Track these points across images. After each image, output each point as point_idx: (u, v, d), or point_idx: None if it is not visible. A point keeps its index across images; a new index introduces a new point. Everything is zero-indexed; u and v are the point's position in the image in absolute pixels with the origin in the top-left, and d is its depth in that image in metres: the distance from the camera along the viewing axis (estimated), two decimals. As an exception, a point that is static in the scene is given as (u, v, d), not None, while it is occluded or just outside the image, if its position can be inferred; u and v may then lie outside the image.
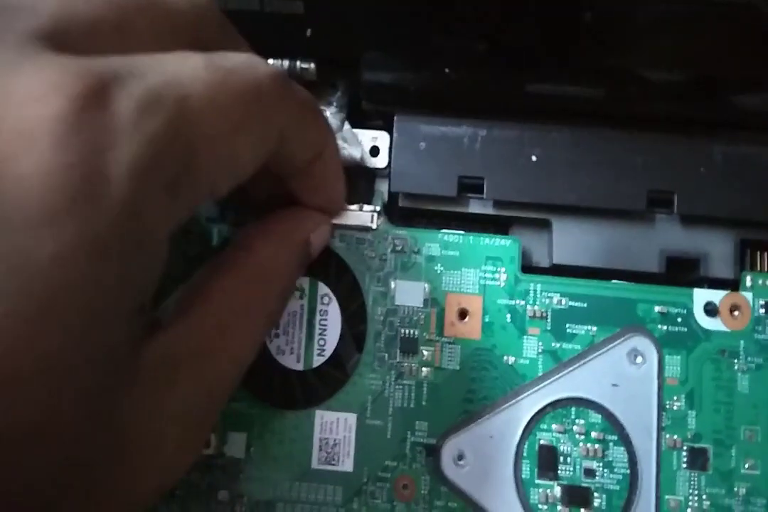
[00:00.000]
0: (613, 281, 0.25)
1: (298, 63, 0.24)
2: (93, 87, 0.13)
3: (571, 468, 0.24)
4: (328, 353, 0.24)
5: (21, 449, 0.13)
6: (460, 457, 0.24)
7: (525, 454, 0.24)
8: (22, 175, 0.13)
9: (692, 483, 0.24)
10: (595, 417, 0.24)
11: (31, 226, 0.12)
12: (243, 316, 0.19)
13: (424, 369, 0.24)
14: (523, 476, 0.24)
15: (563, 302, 0.25)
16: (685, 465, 0.24)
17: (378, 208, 0.25)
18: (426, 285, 0.25)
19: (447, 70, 0.24)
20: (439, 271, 0.25)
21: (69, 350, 0.13)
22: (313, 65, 0.24)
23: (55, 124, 0.13)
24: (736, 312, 0.25)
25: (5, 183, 0.12)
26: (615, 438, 0.24)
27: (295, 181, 0.21)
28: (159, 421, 0.16)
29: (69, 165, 0.13)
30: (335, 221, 0.24)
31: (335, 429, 0.23)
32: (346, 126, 0.25)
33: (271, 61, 0.24)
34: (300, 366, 0.24)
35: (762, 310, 0.25)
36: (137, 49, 0.15)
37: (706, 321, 0.25)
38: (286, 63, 0.24)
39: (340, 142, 0.24)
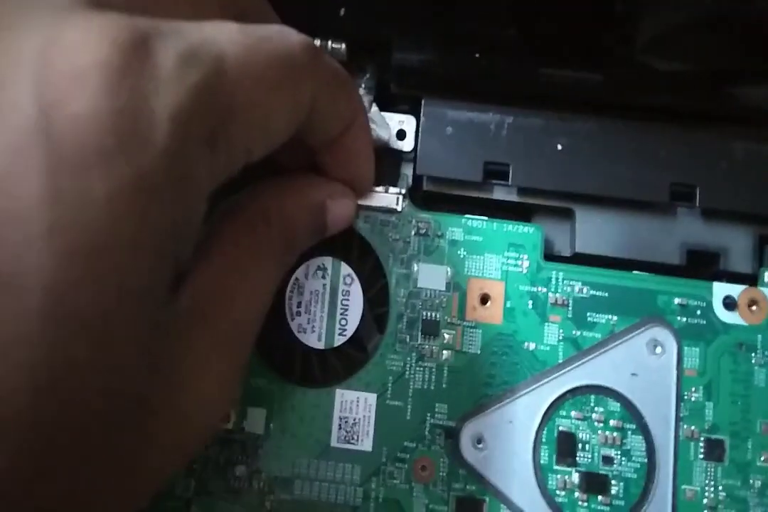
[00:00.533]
0: (634, 272, 0.25)
1: (329, 43, 0.24)
2: (137, 38, 0.14)
3: (590, 456, 0.24)
4: (349, 333, 0.24)
5: (81, 380, 0.13)
6: (479, 441, 0.23)
7: (544, 440, 0.24)
8: (76, 116, 0.13)
9: (708, 473, 0.24)
10: (614, 406, 0.24)
11: (86, 166, 0.13)
12: (255, 258, 0.19)
13: (444, 352, 0.24)
14: (542, 461, 0.23)
15: (584, 291, 0.25)
16: (702, 456, 0.24)
17: (403, 191, 0.25)
18: (449, 269, 0.25)
19: (477, 56, 0.24)
20: (461, 256, 0.25)
21: (116, 286, 0.13)
22: (344, 46, 0.24)
23: (104, 69, 0.13)
24: (754, 307, 0.25)
25: (60, 124, 0.13)
26: (633, 426, 0.24)
27: (323, 154, 0.21)
28: (200, 357, 0.16)
29: (118, 108, 0.13)
30: (360, 202, 0.24)
31: (355, 408, 0.23)
32: (374, 108, 0.25)
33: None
34: (321, 345, 0.24)
35: (780, 305, 0.25)
36: (175, 14, 0.16)
37: (724, 315, 0.25)
38: (317, 42, 0.24)
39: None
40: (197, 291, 0.17)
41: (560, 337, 0.24)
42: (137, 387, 0.15)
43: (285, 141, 0.18)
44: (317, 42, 0.24)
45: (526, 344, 0.24)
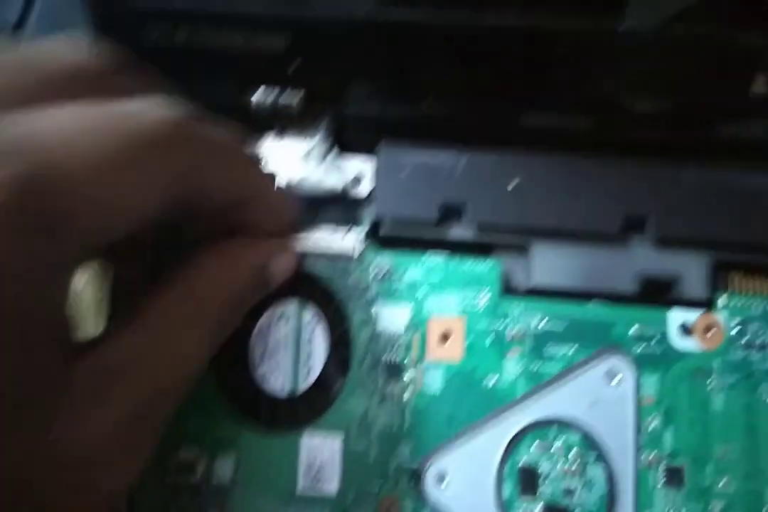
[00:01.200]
0: (591, 303, 0.26)
1: (282, 95, 0.25)
2: None
3: (551, 488, 0.24)
4: (313, 378, 0.24)
5: None
6: (443, 479, 0.24)
7: (506, 475, 0.24)
8: None
9: (669, 500, 0.24)
10: (574, 437, 0.25)
11: None
12: (181, 331, 0.19)
13: (406, 393, 0.25)
14: (505, 496, 0.24)
15: (542, 324, 0.26)
16: (662, 483, 0.25)
17: (361, 236, 0.25)
18: (408, 310, 0.25)
19: (430, 101, 0.25)
20: (421, 296, 0.25)
21: None
22: (297, 96, 0.25)
23: None
24: (709, 333, 0.26)
25: None
26: (593, 457, 0.25)
27: (238, 217, 0.21)
28: (92, 438, 0.16)
29: None
30: (319, 250, 0.25)
31: (320, 453, 0.24)
32: (331, 155, 0.25)
33: (255, 94, 0.25)
34: (286, 391, 0.24)
35: (735, 330, 0.26)
36: (7, 106, 0.16)
37: (680, 342, 0.26)
38: (271, 95, 0.25)
39: (323, 173, 0.25)
40: (100, 363, 0.17)
41: (519, 371, 0.25)
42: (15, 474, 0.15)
43: (158, 216, 0.18)
44: (270, 96, 0.25)
45: (486, 380, 0.25)
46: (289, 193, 0.23)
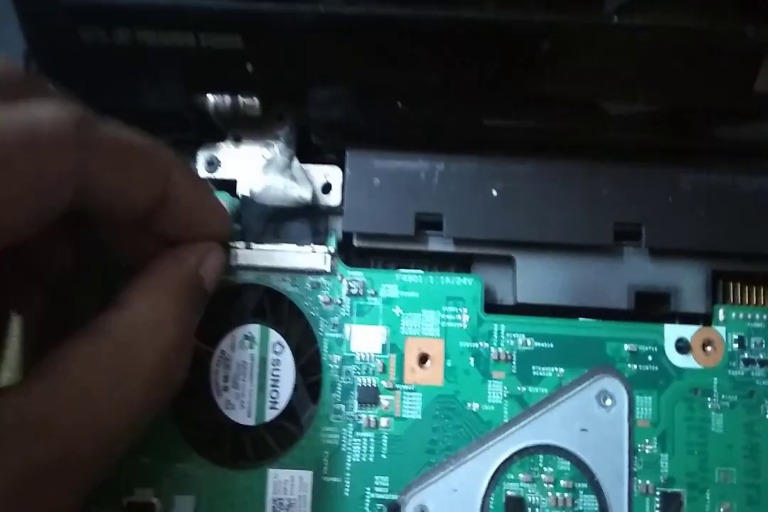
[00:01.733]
0: (581, 319, 0.24)
1: (240, 98, 0.23)
2: None
3: (540, 521, 0.23)
4: (281, 406, 0.23)
5: None
6: (423, 513, 0.22)
7: (492, 507, 0.23)
8: None
9: (666, 530, 0.23)
10: (564, 465, 0.23)
11: None
12: (111, 383, 0.17)
13: (383, 419, 0.23)
14: (490, 531, 0.23)
15: (529, 343, 0.24)
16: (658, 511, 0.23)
17: (332, 249, 0.23)
18: (384, 329, 0.23)
19: (399, 104, 0.23)
20: (398, 314, 0.24)
21: None
22: (256, 100, 0.23)
23: None
24: (708, 348, 0.24)
25: None
26: (585, 485, 0.23)
27: (158, 224, 0.20)
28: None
29: None
30: (286, 265, 0.23)
31: (290, 488, 0.22)
32: (296, 163, 0.23)
33: (211, 96, 0.23)
34: (251, 421, 0.22)
35: (736, 345, 0.24)
36: None
37: (677, 359, 0.24)
38: (228, 98, 0.23)
39: (287, 181, 0.23)
40: (8, 413, 0.15)
41: (505, 395, 0.23)
42: None
43: (46, 219, 0.17)
44: (227, 98, 0.23)
45: (469, 405, 0.23)
46: (205, 190, 0.21)
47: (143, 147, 0.19)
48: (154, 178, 0.19)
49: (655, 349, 0.24)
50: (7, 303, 0.20)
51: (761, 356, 0.24)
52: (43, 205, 0.16)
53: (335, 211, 0.24)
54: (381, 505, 0.22)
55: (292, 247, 0.23)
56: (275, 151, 0.24)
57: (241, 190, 0.24)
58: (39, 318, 0.20)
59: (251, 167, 0.24)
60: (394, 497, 0.22)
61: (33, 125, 0.16)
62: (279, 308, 0.23)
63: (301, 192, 0.23)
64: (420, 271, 0.24)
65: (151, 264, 0.20)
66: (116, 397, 0.17)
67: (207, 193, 0.21)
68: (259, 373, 0.23)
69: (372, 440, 0.23)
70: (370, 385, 0.23)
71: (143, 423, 0.18)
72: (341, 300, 0.23)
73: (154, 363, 0.18)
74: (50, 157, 0.16)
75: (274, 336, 0.23)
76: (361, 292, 0.23)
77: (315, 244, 0.23)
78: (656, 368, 0.24)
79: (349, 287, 0.23)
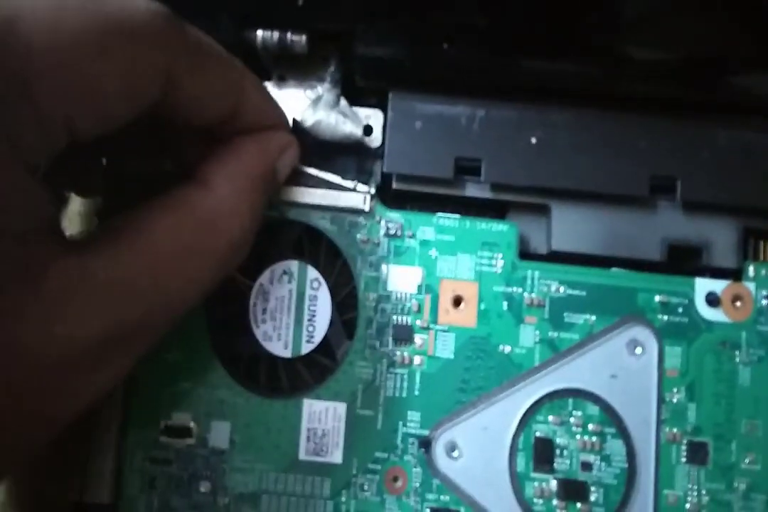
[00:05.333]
0: (613, 269, 0.24)
1: (288, 35, 0.23)
2: None
3: (568, 462, 0.23)
4: (317, 340, 0.23)
5: None
6: (453, 449, 0.23)
7: (520, 447, 0.23)
8: None
9: (691, 477, 0.23)
10: (593, 410, 0.23)
11: None
12: (184, 259, 0.18)
13: (416, 357, 0.23)
14: (518, 469, 0.23)
15: (561, 290, 0.24)
16: (684, 460, 0.23)
17: (371, 190, 0.24)
18: (420, 270, 0.24)
19: (445, 46, 0.23)
20: (433, 256, 0.24)
21: None
22: (304, 37, 0.23)
23: None
24: (738, 303, 0.24)
25: None
26: (613, 431, 0.23)
27: (223, 133, 0.20)
28: (63, 347, 0.15)
29: None
30: (327, 202, 0.23)
31: (324, 418, 0.22)
32: (343, 101, 0.24)
33: (260, 32, 0.23)
34: (288, 353, 0.23)
35: (765, 301, 0.24)
36: None
37: (707, 312, 0.24)
38: (276, 34, 0.23)
39: (338, 116, 0.23)
40: (84, 272, 0.16)
41: (537, 339, 0.24)
42: None
43: (133, 116, 0.17)
44: (276, 34, 0.23)
45: (501, 347, 0.23)
46: (273, 103, 0.21)
47: (222, 54, 0.19)
48: (230, 86, 0.19)
49: (686, 302, 0.24)
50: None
51: (790, 313, 0.24)
52: (133, 101, 0.17)
53: (375, 153, 0.25)
54: (412, 439, 0.23)
55: (333, 185, 0.23)
56: (322, 89, 0.24)
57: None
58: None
59: (296, 107, 0.24)
60: (426, 432, 0.23)
61: (130, 16, 0.16)
62: (317, 245, 0.24)
63: (352, 128, 0.23)
64: (457, 216, 0.24)
65: (236, 150, 0.20)
66: (190, 271, 0.18)
67: (275, 106, 0.21)
68: (296, 308, 0.23)
69: (405, 376, 0.23)
70: (404, 324, 0.23)
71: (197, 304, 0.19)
72: (378, 240, 0.24)
73: (228, 245, 0.19)
74: (144, 50, 0.16)
75: (312, 272, 0.23)
76: (398, 233, 0.24)
77: (355, 184, 0.24)
78: (686, 320, 0.24)
79: (387, 228, 0.24)
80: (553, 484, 0.23)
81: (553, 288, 0.24)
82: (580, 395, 0.23)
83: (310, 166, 0.23)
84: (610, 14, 0.23)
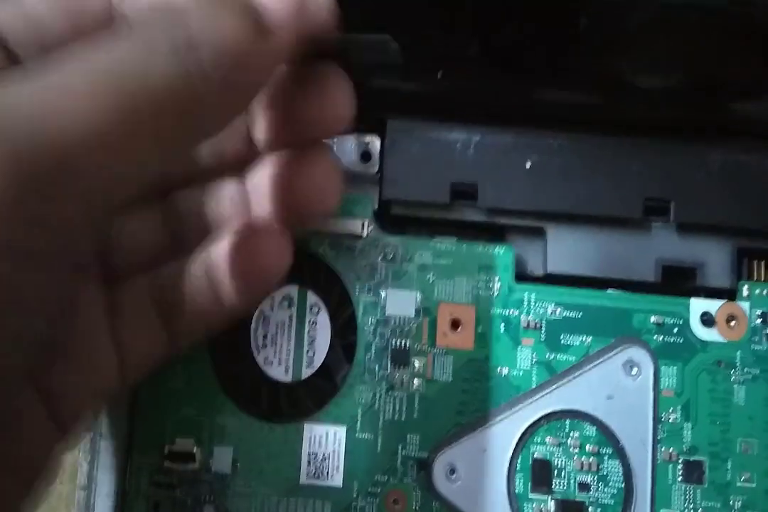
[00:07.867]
0: (609, 290, 0.25)
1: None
2: None
3: (566, 482, 0.23)
4: (317, 364, 0.23)
5: None
6: (453, 471, 0.23)
7: (518, 468, 0.23)
8: None
9: (688, 496, 0.23)
10: (590, 430, 0.24)
11: None
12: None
13: (415, 380, 0.23)
14: (517, 490, 0.23)
15: (558, 312, 0.24)
16: (680, 478, 0.23)
17: (369, 216, 0.24)
18: (418, 294, 0.24)
19: (439, 75, 0.23)
20: (431, 280, 0.24)
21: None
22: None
23: None
24: (732, 323, 0.25)
25: None
26: (610, 451, 0.23)
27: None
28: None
29: None
30: (325, 228, 0.24)
31: (324, 442, 0.23)
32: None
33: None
34: (288, 378, 0.23)
35: (759, 320, 0.24)
36: None
37: (702, 332, 0.24)
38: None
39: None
40: None
41: (533, 361, 0.24)
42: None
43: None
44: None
45: (498, 369, 0.24)
46: None
47: None
48: None
49: (681, 322, 0.24)
50: None
51: (784, 332, 0.24)
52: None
53: (373, 179, 0.25)
54: (412, 462, 0.23)
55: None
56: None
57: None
58: None
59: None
60: (425, 455, 0.23)
61: (155, 82, 0.15)
62: (317, 271, 0.24)
63: (342, 159, 0.24)
64: (454, 240, 0.25)
65: None
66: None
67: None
68: (296, 333, 0.23)
69: (404, 399, 0.23)
70: (402, 347, 0.24)
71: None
72: (376, 264, 0.24)
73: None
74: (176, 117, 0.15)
75: (312, 298, 0.24)
76: (396, 258, 0.24)
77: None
78: (681, 340, 0.24)
79: (385, 252, 0.24)
80: (552, 505, 0.23)
81: (549, 310, 0.24)
82: (577, 416, 0.24)
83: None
84: (604, 41, 0.23)
